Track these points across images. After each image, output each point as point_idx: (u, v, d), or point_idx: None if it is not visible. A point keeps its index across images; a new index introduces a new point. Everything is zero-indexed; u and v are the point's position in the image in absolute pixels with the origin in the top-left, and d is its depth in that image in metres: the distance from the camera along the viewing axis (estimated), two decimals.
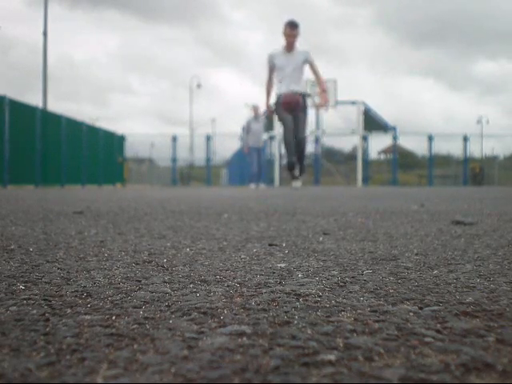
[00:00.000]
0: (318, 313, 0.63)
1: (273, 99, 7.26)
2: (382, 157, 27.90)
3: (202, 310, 0.64)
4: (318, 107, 6.59)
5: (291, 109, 6.99)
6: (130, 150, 21.83)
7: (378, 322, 0.59)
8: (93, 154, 17.73)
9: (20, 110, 13.02)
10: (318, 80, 7.18)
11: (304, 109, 7.19)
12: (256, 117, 13.56)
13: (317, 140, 19.81)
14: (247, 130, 13.64)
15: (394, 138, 19.51)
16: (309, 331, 0.55)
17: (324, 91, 7.24)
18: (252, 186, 13.31)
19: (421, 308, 0.65)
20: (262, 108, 7.11)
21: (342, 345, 0.51)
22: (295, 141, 7.13)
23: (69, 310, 0.64)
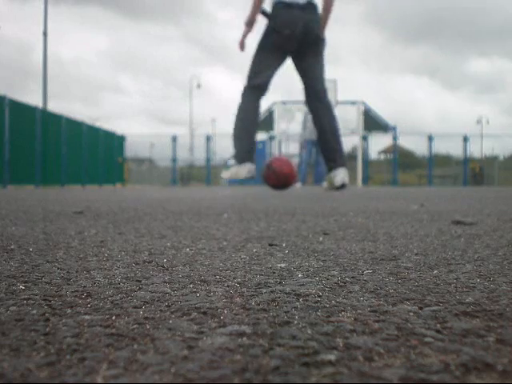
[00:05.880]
0: (318, 313, 0.63)
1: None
2: (382, 157, 27.91)
3: (202, 310, 0.64)
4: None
5: (295, 45, 4.82)
6: (129, 150, 21.86)
7: (378, 322, 0.59)
8: (93, 153, 17.73)
9: (20, 109, 13.03)
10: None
11: (322, 42, 4.95)
12: None
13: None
14: (304, 122, 12.52)
15: (394, 138, 19.51)
16: (309, 331, 0.55)
17: (327, 10, 4.90)
18: (297, 185, 12.12)
19: (421, 308, 0.65)
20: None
21: (342, 345, 0.51)
22: (313, 108, 4.96)
23: (69, 310, 0.64)
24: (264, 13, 4.95)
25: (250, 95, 4.90)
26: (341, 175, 5.09)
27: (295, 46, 4.84)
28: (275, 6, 4.86)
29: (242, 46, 5.10)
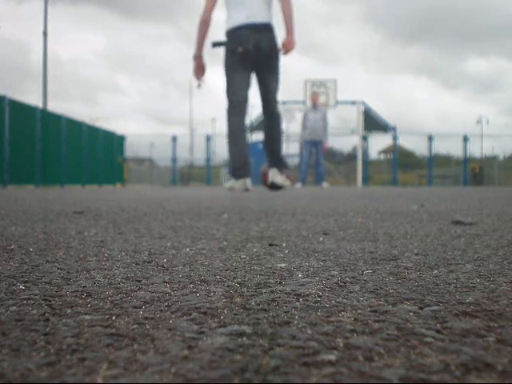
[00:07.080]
0: (318, 313, 0.63)
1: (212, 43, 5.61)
2: (382, 157, 27.93)
3: (202, 310, 0.64)
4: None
5: (253, 60, 5.39)
6: (129, 150, 21.86)
7: (378, 322, 0.59)
8: (93, 153, 17.73)
9: (20, 109, 13.03)
10: (284, 7, 5.41)
11: (275, 57, 5.50)
12: (314, 106, 12.48)
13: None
14: (304, 122, 12.56)
15: (394, 138, 19.51)
16: (309, 331, 0.55)
17: (290, 31, 5.47)
18: (298, 185, 12.07)
19: (421, 308, 0.65)
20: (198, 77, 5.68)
21: (342, 345, 0.51)
22: (265, 115, 5.69)
23: (69, 310, 0.64)
24: (216, 44, 5.54)
25: (233, 116, 5.48)
26: (270, 174, 5.81)
27: (252, 61, 5.43)
28: (228, 32, 5.46)
29: (199, 77, 5.67)
